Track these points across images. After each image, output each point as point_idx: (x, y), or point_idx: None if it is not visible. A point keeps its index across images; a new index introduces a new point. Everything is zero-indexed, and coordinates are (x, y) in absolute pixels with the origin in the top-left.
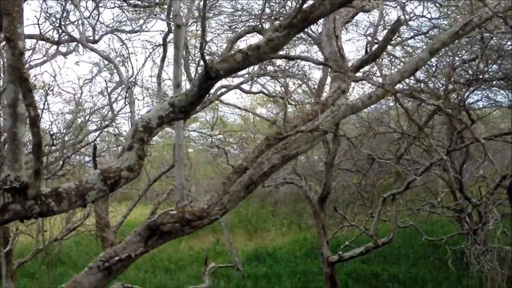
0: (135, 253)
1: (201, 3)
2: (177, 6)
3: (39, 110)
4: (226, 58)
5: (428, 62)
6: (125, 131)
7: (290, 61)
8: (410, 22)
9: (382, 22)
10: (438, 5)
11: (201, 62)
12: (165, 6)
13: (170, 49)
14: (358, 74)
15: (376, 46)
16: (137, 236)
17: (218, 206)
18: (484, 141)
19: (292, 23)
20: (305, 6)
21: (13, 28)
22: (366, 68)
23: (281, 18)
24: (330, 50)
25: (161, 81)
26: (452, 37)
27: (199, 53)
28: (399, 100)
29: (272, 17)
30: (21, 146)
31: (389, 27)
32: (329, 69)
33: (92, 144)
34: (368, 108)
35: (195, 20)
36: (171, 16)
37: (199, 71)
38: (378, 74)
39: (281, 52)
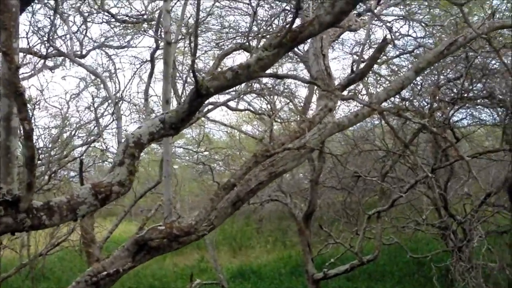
0: (123, 268)
1: (191, 20)
2: (167, 23)
3: None
4: (217, 76)
5: (414, 81)
6: (112, 146)
7: (277, 79)
8: (396, 41)
9: (368, 41)
10: (423, 25)
11: (188, 79)
12: (153, 23)
13: (158, 65)
14: (345, 93)
15: (362, 64)
16: (125, 251)
17: (205, 222)
18: (469, 159)
19: (281, 42)
20: (294, 26)
21: (10, 42)
22: (352, 86)
23: (267, 36)
24: (318, 68)
25: (148, 97)
26: (437, 56)
27: (186, 70)
28: (385, 118)
29: (260, 35)
30: (14, 159)
31: (375, 46)
32: (316, 88)
33: (79, 159)
34: (354, 126)
35: (182, 37)
36: (160, 33)
37: (186, 88)
38: (364, 92)
39: (269, 71)
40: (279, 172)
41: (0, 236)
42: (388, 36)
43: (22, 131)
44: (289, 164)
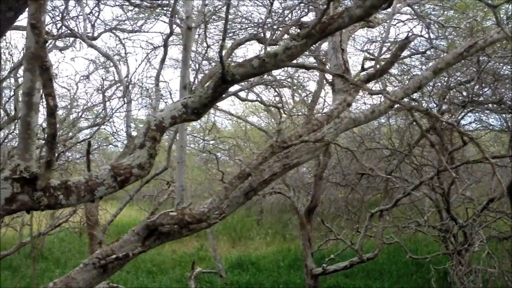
0: (133, 252)
1: (207, 8)
2: (189, 8)
3: None
4: (243, 63)
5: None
6: (122, 129)
7: (289, 72)
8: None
9: (381, 38)
10: (439, 26)
11: (201, 66)
12: (168, 8)
13: (170, 51)
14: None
15: (373, 62)
16: (135, 235)
17: (217, 211)
18: (494, 161)
19: (310, 33)
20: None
21: (39, 15)
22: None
23: (280, 28)
24: (336, 63)
25: (159, 82)
26: (457, 57)
27: (198, 58)
28: (413, 115)
29: (274, 27)
30: (34, 136)
31: (397, 44)
32: (325, 83)
33: (86, 141)
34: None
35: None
36: (176, 18)
37: (198, 75)
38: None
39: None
40: (293, 164)
41: (16, 213)
42: (411, 35)
43: (45, 107)
44: (304, 156)
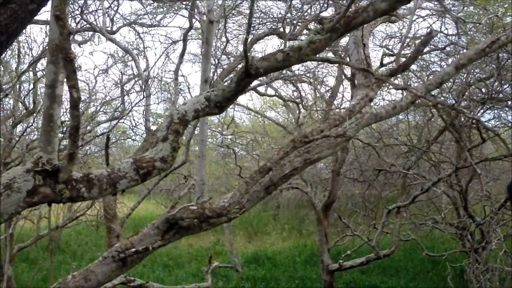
0: (153, 246)
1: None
2: (210, 1)
3: None
4: (267, 57)
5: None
6: (140, 123)
7: (308, 67)
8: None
9: (398, 35)
10: (460, 21)
11: (220, 61)
12: (187, 2)
13: (189, 45)
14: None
15: (387, 58)
16: (155, 229)
17: (237, 205)
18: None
19: (335, 27)
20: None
21: (63, 6)
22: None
23: (299, 23)
24: (357, 57)
25: (178, 76)
26: (479, 53)
27: (218, 52)
28: (439, 111)
29: (294, 21)
30: (56, 128)
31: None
32: (343, 77)
33: (105, 135)
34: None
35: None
36: (196, 12)
37: (218, 70)
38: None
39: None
40: (314, 159)
41: (38, 205)
42: (434, 30)
43: (69, 99)
44: (325, 152)
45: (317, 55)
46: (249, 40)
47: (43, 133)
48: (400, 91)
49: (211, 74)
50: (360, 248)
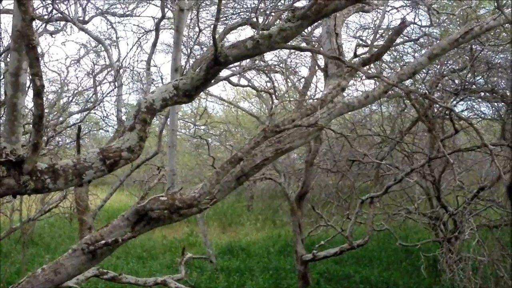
0: (122, 237)
1: None
2: None
3: None
4: (236, 44)
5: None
6: (112, 114)
7: (281, 57)
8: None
9: (372, 26)
10: (433, 13)
11: (192, 51)
12: None
13: (162, 35)
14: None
15: (364, 49)
16: (125, 220)
17: (208, 196)
18: (493, 148)
19: (306, 14)
20: None
21: None
22: None
23: (273, 13)
24: (330, 47)
25: (150, 66)
26: (452, 44)
27: (190, 42)
28: (411, 99)
29: (267, 12)
30: (20, 117)
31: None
32: (317, 68)
33: (77, 125)
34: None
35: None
36: (168, 2)
37: (190, 60)
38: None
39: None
40: (286, 149)
41: (2, 197)
42: (407, 19)
43: (32, 87)
44: (296, 141)
45: (288, 43)
46: (222, 30)
47: (7, 122)
48: (373, 82)
49: (183, 64)
50: (334, 238)
